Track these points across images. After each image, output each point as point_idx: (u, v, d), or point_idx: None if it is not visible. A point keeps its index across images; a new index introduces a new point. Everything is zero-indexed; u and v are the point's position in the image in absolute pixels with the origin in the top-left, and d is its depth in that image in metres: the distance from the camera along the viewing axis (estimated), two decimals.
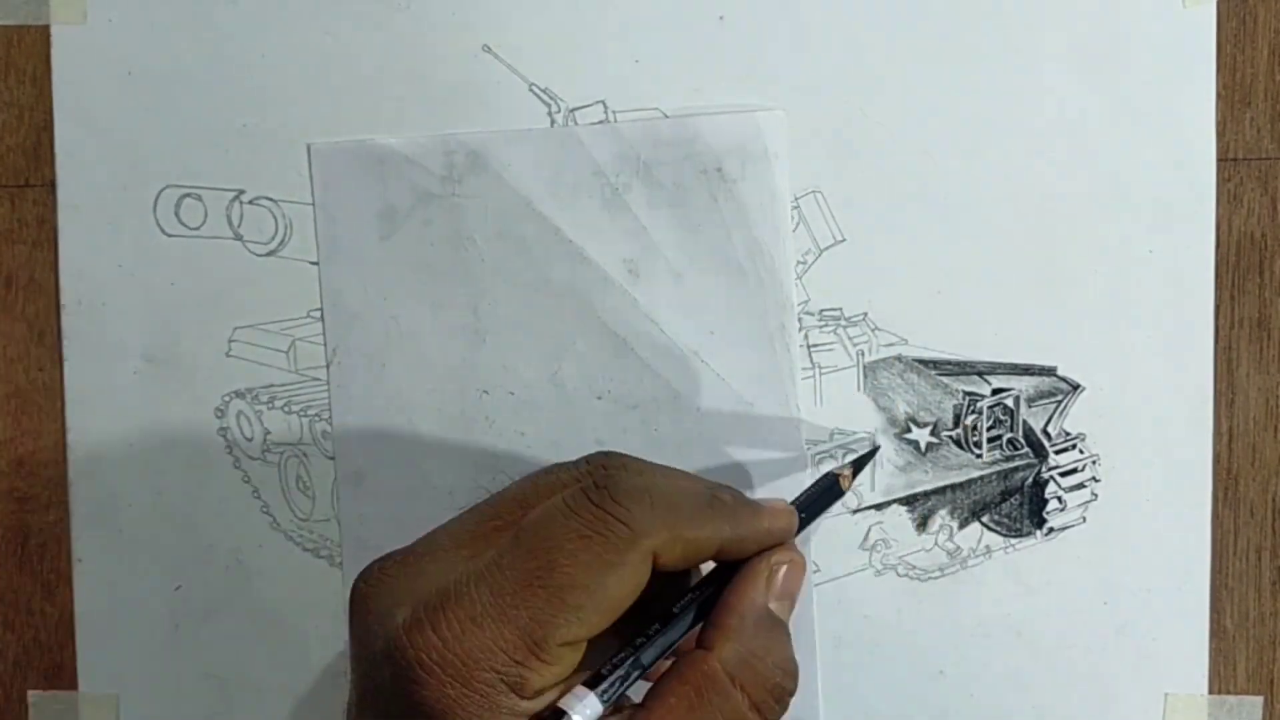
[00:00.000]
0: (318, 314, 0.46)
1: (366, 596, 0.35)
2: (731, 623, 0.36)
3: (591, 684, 0.34)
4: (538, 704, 0.33)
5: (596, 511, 0.34)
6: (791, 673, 0.36)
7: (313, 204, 0.45)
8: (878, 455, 0.45)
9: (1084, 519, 0.45)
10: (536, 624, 0.33)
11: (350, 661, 0.36)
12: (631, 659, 0.35)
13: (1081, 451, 0.45)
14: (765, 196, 0.44)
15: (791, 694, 0.36)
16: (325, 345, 0.45)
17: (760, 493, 0.45)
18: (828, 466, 0.45)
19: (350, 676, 0.36)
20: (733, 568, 0.37)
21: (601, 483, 0.34)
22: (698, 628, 0.37)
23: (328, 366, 0.46)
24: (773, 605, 0.37)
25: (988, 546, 0.45)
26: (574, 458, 0.41)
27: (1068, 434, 0.45)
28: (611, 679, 0.34)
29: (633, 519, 0.34)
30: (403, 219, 0.45)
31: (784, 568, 0.37)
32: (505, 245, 0.45)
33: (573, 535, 0.33)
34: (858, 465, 0.43)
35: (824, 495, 0.41)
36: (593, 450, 0.42)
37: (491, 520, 0.36)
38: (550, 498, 0.35)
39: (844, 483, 0.42)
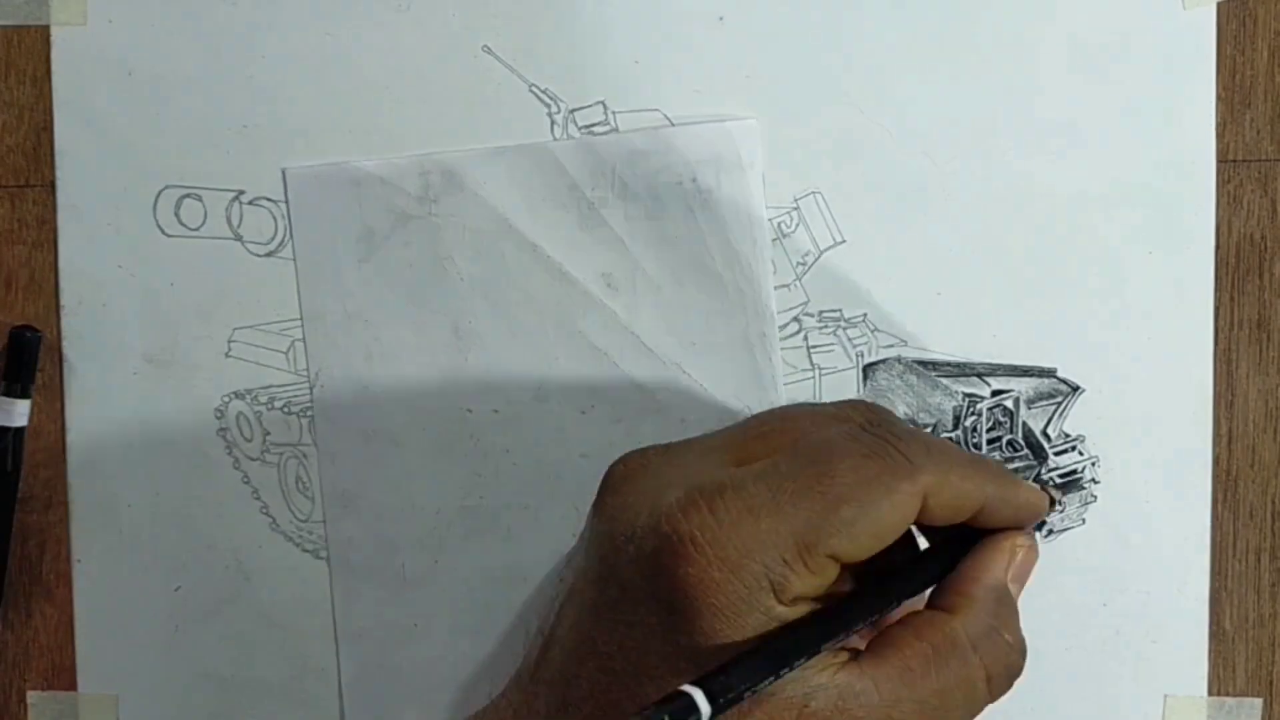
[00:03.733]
0: None
1: (627, 476, 0.35)
2: (976, 592, 0.36)
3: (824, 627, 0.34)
4: (791, 612, 0.33)
5: (877, 440, 0.34)
6: (1024, 652, 0.36)
7: (290, 228, 0.45)
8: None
9: (1083, 520, 0.45)
10: (810, 528, 0.33)
11: (588, 543, 0.36)
12: (864, 606, 0.35)
13: (1081, 453, 0.45)
14: (741, 206, 0.44)
15: (1019, 673, 0.36)
16: (308, 369, 0.45)
17: None
18: None
19: (577, 561, 0.36)
20: (961, 544, 0.37)
21: (877, 421, 0.35)
22: (925, 593, 0.37)
23: (310, 390, 0.45)
24: (1011, 586, 0.37)
25: None
26: (561, 475, 0.42)
27: (1067, 435, 0.45)
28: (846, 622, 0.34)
29: (911, 452, 0.34)
30: (381, 241, 0.45)
31: (1023, 550, 0.37)
32: (484, 263, 0.45)
33: (855, 454, 0.34)
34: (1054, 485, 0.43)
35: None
36: (579, 463, 0.43)
37: (754, 431, 0.36)
38: (810, 422, 0.36)
39: (1056, 495, 0.41)
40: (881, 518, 0.34)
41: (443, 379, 0.45)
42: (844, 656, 0.34)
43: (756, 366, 0.45)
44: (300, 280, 0.45)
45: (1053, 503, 0.40)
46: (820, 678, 0.33)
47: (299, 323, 0.45)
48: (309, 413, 0.46)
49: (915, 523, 0.35)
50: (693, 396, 0.45)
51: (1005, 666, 0.35)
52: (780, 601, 0.33)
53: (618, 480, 0.35)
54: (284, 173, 0.45)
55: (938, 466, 0.34)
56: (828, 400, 0.44)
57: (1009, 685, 0.36)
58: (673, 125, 0.44)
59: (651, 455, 0.36)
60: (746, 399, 0.45)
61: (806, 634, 0.33)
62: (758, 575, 0.33)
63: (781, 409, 0.38)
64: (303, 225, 0.45)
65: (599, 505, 0.36)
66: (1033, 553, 0.37)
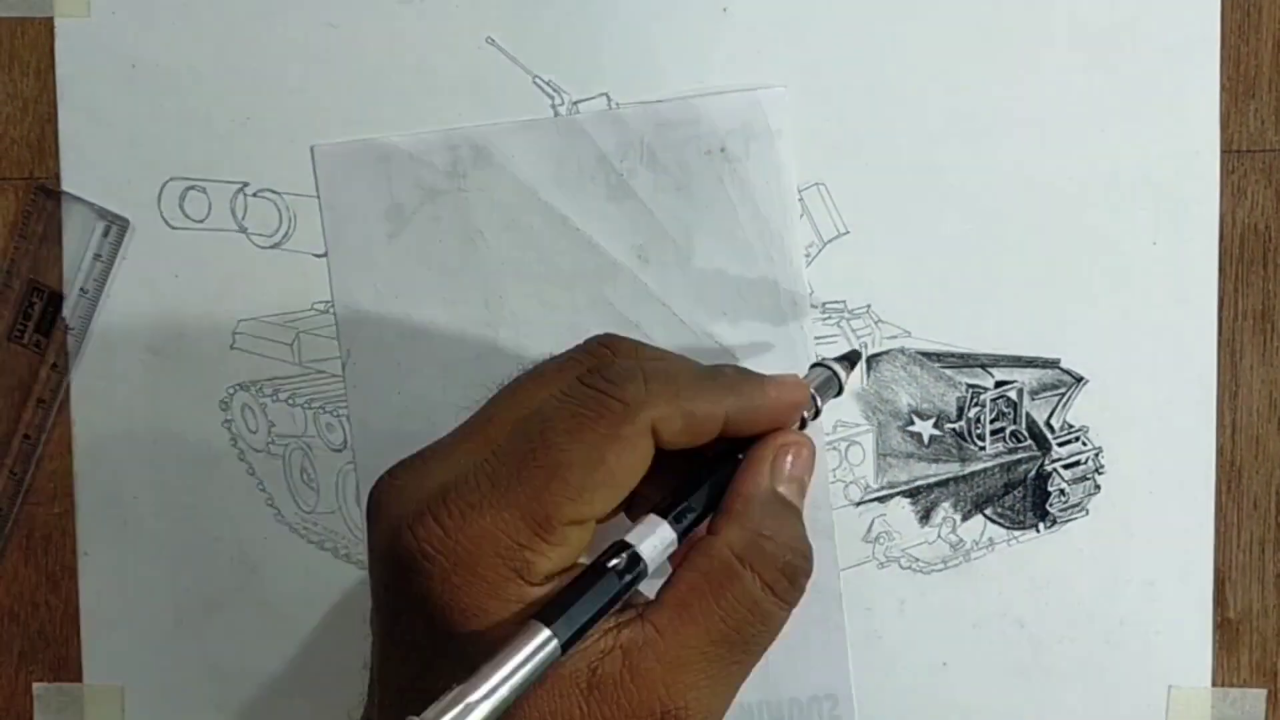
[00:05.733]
0: (322, 306, 0.46)
1: (379, 502, 0.34)
2: (736, 506, 0.35)
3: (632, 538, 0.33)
4: (546, 589, 0.32)
5: (590, 392, 0.33)
6: (803, 552, 0.35)
7: (319, 205, 0.45)
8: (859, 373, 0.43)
9: (1087, 511, 0.45)
10: (538, 504, 0.32)
11: (369, 569, 0.35)
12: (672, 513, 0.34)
13: (1084, 444, 0.45)
14: (770, 174, 0.44)
15: (806, 574, 0.35)
16: (339, 346, 0.46)
17: None
18: (833, 461, 0.45)
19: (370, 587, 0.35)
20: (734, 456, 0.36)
21: (594, 368, 0.34)
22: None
23: (343, 367, 0.46)
24: (781, 489, 0.36)
25: (991, 539, 0.45)
26: None
27: (1071, 426, 0.45)
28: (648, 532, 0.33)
29: (626, 394, 0.33)
30: (410, 216, 0.45)
31: (790, 451, 0.36)
32: (514, 237, 0.45)
33: (566, 416, 0.33)
34: (849, 361, 0.41)
35: (822, 385, 0.39)
36: None
37: (489, 415, 0.35)
38: (534, 389, 0.35)
39: (841, 375, 0.40)
40: (610, 469, 0.33)
41: (474, 353, 0.45)
42: (630, 614, 0.33)
43: (789, 334, 0.45)
44: (331, 257, 0.45)
45: (814, 396, 0.38)
46: (603, 642, 0.32)
47: (303, 314, 0.46)
48: (314, 404, 0.46)
49: (674, 448, 0.34)
50: None
51: (780, 569, 0.34)
52: (530, 583, 0.32)
53: (373, 506, 0.34)
54: (312, 150, 0.45)
55: (659, 398, 0.33)
56: None
57: (795, 587, 0.35)
58: (700, 96, 0.44)
59: (399, 472, 0.35)
60: (778, 367, 0.44)
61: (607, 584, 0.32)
62: (496, 567, 0.32)
63: (516, 380, 0.36)
64: (332, 202, 0.45)
65: (367, 536, 0.35)
66: (803, 449, 0.36)
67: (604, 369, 0.34)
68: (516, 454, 0.33)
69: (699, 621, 0.33)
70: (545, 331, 0.45)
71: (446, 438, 0.35)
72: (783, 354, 0.44)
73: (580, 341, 0.37)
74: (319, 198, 0.45)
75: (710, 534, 0.35)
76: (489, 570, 0.32)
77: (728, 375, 0.36)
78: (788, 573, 0.34)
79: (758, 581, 0.34)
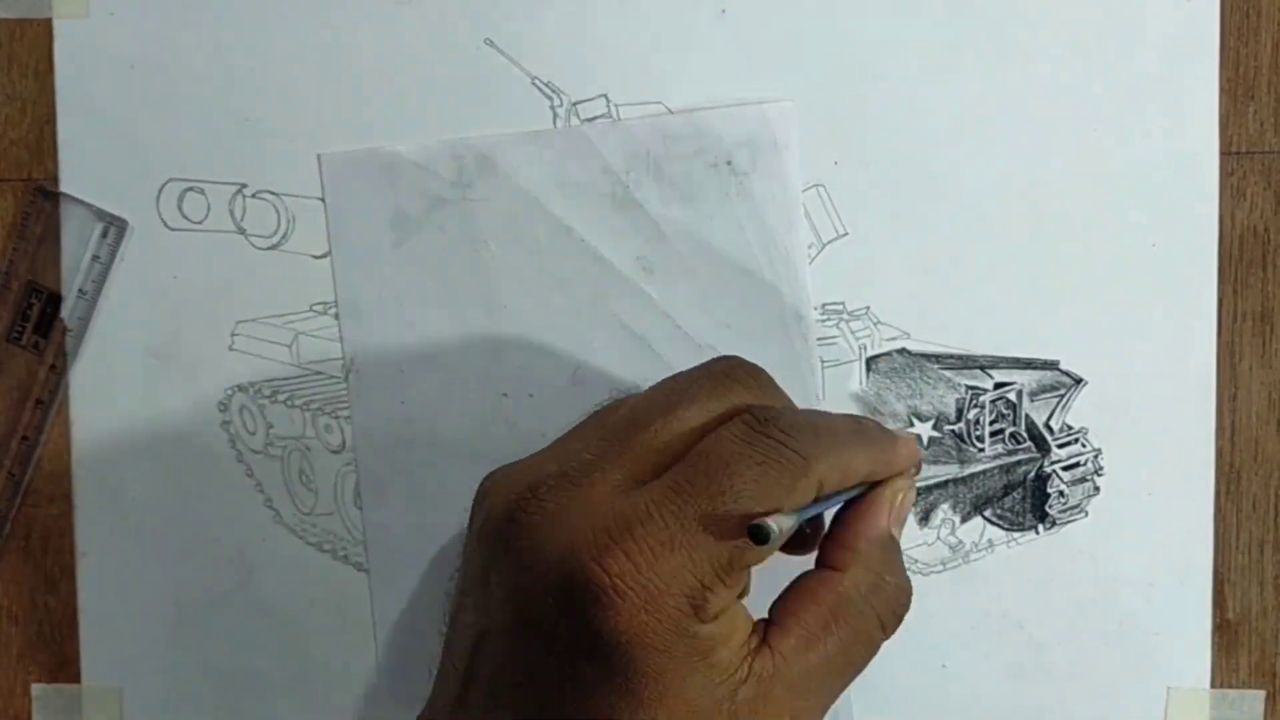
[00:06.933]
0: (320, 308, 0.46)
1: (529, 526, 0.34)
2: (861, 546, 0.37)
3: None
4: (714, 626, 0.34)
5: (769, 442, 0.34)
6: (909, 592, 0.38)
7: (325, 213, 0.45)
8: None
9: (1086, 513, 0.45)
10: (723, 550, 0.33)
11: (494, 586, 0.35)
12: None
13: (1084, 445, 0.45)
14: (776, 188, 0.44)
15: (908, 609, 0.38)
16: (343, 355, 0.45)
17: None
18: None
19: (484, 600, 0.35)
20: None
21: (765, 416, 0.35)
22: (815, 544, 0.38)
23: (346, 376, 0.46)
24: (894, 530, 0.38)
25: (990, 540, 0.45)
26: None
27: (1070, 428, 0.45)
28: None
29: (804, 449, 0.35)
30: (415, 225, 0.45)
31: (902, 494, 0.39)
32: (518, 247, 0.45)
33: (752, 465, 0.34)
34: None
35: None
36: None
37: (641, 438, 0.35)
38: (695, 416, 0.36)
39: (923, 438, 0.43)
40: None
41: (478, 363, 0.45)
42: (755, 639, 0.35)
43: (792, 347, 0.45)
44: (335, 266, 0.45)
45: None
46: (740, 671, 0.34)
47: (302, 316, 0.46)
48: (312, 405, 0.46)
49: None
50: None
51: (894, 610, 0.37)
52: (703, 621, 0.33)
53: (520, 528, 0.34)
54: (319, 158, 0.45)
55: (827, 453, 0.35)
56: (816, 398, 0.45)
57: (900, 623, 0.38)
58: (707, 109, 0.44)
59: (545, 493, 0.35)
60: (782, 381, 0.44)
61: None
62: (680, 605, 0.33)
63: (658, 398, 0.37)
64: (338, 210, 0.45)
65: (505, 557, 0.35)
66: (911, 493, 0.39)
67: (774, 418, 0.35)
68: (703, 495, 0.33)
69: (821, 653, 0.35)
70: (549, 342, 0.45)
71: (581, 453, 0.36)
72: (786, 368, 0.44)
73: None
74: (325, 206, 0.45)
75: (834, 569, 0.37)
76: (673, 609, 0.33)
77: (871, 432, 0.38)
78: (899, 612, 0.38)
79: (876, 620, 0.37)
